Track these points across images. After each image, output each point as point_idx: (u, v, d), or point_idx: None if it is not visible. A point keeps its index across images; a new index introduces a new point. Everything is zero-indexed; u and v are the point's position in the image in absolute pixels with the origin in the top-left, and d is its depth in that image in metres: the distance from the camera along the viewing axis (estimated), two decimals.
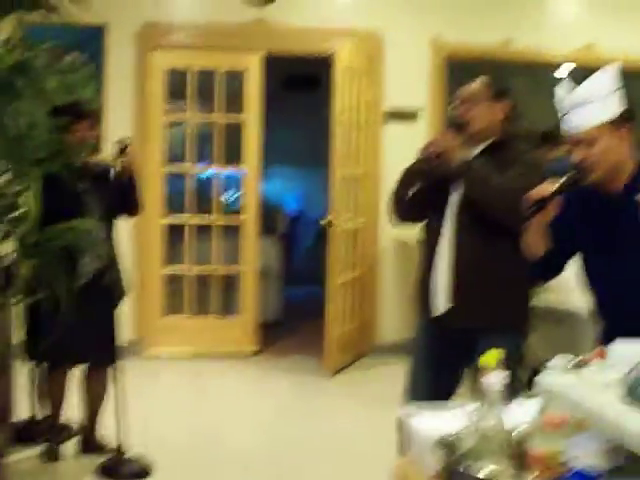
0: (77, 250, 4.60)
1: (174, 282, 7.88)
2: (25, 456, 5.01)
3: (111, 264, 4.94)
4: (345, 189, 7.36)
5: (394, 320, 7.71)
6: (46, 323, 4.47)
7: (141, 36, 7.38)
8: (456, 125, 4.03)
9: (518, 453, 2.09)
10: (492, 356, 2.13)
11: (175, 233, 8.00)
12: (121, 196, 5.01)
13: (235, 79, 7.71)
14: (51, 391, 5.01)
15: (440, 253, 3.97)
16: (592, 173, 2.92)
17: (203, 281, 7.86)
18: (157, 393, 6.55)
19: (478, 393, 2.08)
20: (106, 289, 4.92)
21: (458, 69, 7.68)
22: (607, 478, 1.80)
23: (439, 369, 4.04)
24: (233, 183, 10.17)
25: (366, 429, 5.82)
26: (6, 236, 4.35)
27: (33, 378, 5.15)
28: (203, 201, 8.53)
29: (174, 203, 8.02)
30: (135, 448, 5.05)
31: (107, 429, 5.11)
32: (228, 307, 8.03)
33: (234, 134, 7.80)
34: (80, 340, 4.73)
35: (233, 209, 8.89)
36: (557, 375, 1.96)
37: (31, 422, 5.23)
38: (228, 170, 8.42)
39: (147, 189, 7.36)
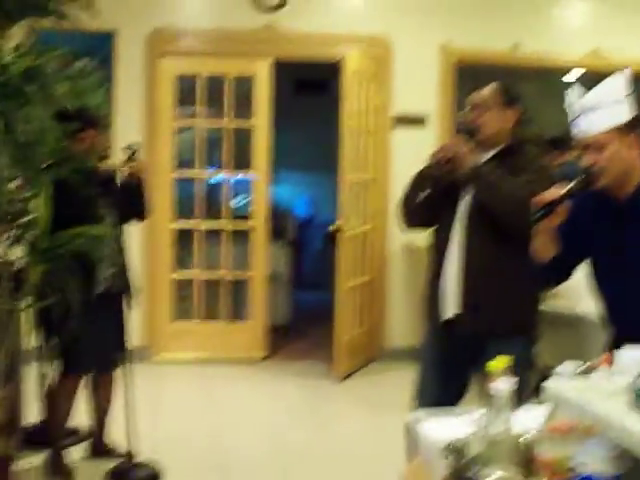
0: (89, 256, 4.60)
1: (183, 287, 7.89)
2: (34, 461, 5.01)
3: (121, 270, 4.95)
4: (354, 194, 7.36)
5: (403, 325, 7.71)
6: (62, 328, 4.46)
7: (150, 42, 7.40)
8: (467, 131, 4.04)
9: (526, 459, 2.09)
10: (500, 362, 2.13)
11: (184, 238, 8.02)
12: (129, 201, 5.03)
13: (244, 85, 7.72)
14: (62, 404, 4.96)
15: (449, 258, 3.98)
16: (601, 178, 2.92)
17: (212, 286, 7.86)
18: (166, 398, 6.56)
19: (486, 398, 2.08)
20: (115, 295, 4.94)
21: (467, 75, 7.69)
22: None
23: (447, 374, 4.05)
24: (242, 188, 10.20)
25: (375, 434, 5.82)
26: (16, 241, 4.37)
27: (42, 382, 5.15)
28: (212, 206, 8.55)
29: (183, 208, 8.04)
30: (144, 453, 5.06)
31: (116, 434, 5.12)
32: (237, 312, 8.04)
33: (243, 139, 7.81)
34: (93, 347, 4.73)
35: (242, 214, 8.90)
36: (565, 381, 1.97)
37: (40, 426, 5.22)
38: (237, 175, 8.44)
39: (157, 194, 7.40)
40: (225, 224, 7.88)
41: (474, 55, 7.76)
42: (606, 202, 3.05)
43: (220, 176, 8.28)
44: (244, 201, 10.03)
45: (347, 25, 7.59)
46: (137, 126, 7.33)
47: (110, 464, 4.97)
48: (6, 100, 3.77)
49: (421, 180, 4.03)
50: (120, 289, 4.94)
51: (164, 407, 6.30)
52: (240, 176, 8.59)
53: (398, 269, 7.82)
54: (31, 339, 4.73)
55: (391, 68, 7.70)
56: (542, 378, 2.09)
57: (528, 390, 4.11)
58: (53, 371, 4.94)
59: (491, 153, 4.00)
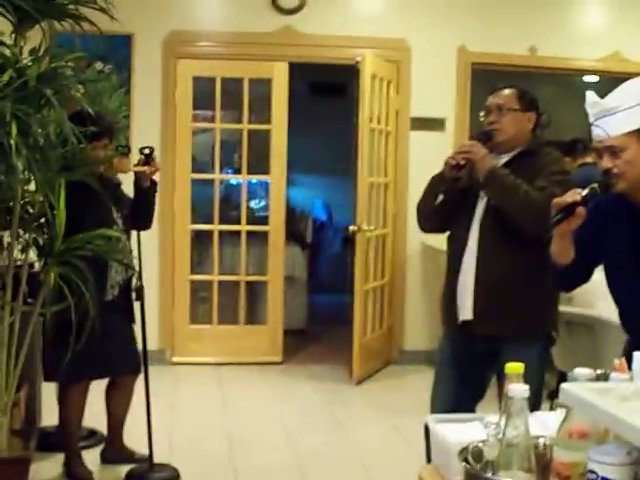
0: (104, 259, 4.61)
1: (200, 290, 7.91)
2: (52, 464, 5.03)
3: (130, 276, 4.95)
4: (372, 197, 7.36)
5: (421, 328, 7.70)
6: (61, 339, 4.44)
7: (168, 45, 7.41)
8: (483, 134, 4.03)
9: (542, 462, 2.08)
10: (517, 365, 2.12)
11: (202, 241, 8.03)
12: (140, 207, 5.02)
13: (261, 87, 7.72)
14: (69, 411, 4.95)
15: (465, 261, 3.97)
16: (619, 182, 2.90)
17: (229, 289, 7.87)
18: (183, 401, 6.56)
19: (503, 401, 2.07)
20: (126, 300, 4.94)
21: (484, 78, 7.68)
22: None
23: (464, 377, 4.04)
24: (259, 191, 10.22)
25: (392, 437, 5.82)
26: (32, 244, 4.38)
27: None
28: (230, 209, 8.57)
29: (201, 211, 8.05)
30: (161, 455, 5.06)
31: (134, 437, 5.12)
32: (254, 315, 8.05)
33: (260, 142, 7.81)
34: (101, 354, 4.71)
35: (259, 217, 8.91)
36: (582, 384, 1.95)
37: (58, 429, 5.22)
38: (255, 178, 8.45)
39: (175, 196, 7.43)
40: (242, 227, 7.87)
41: (492, 58, 7.74)
42: (625, 206, 3.02)
43: (237, 179, 8.28)
44: (261, 204, 10.05)
45: (365, 28, 7.58)
46: (155, 128, 7.34)
47: (127, 467, 4.97)
48: (23, 103, 3.78)
49: (436, 185, 4.02)
50: (128, 295, 4.95)
51: (181, 410, 6.30)
52: (257, 179, 8.61)
53: (416, 272, 7.81)
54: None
55: (409, 71, 7.68)
56: (560, 380, 2.07)
57: (544, 393, 4.11)
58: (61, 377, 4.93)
59: (507, 157, 3.99)
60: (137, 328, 5.01)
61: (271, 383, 7.17)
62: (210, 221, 7.81)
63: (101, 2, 4.17)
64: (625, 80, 2.98)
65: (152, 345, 6.93)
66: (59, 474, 4.91)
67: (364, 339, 7.24)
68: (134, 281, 4.93)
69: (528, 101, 4.02)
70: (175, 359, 7.57)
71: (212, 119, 7.86)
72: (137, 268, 4.84)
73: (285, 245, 7.96)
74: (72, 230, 4.28)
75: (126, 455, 5.10)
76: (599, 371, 2.18)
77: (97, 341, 4.37)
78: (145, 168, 4.95)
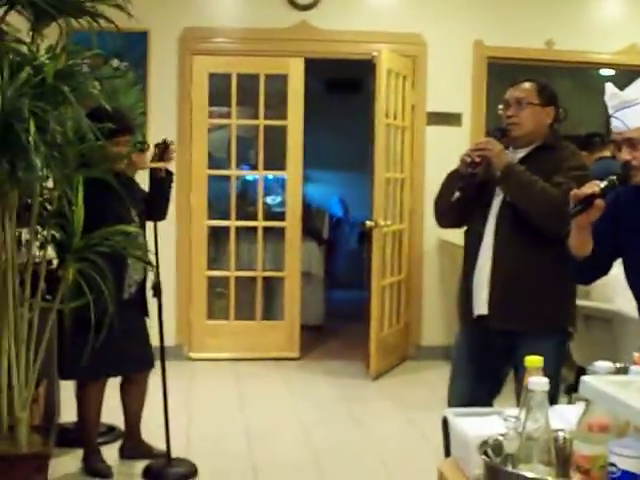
0: (123, 258, 4.62)
1: (218, 285, 7.92)
2: (71, 458, 5.05)
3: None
4: (388, 192, 7.35)
5: (438, 323, 7.70)
6: (76, 338, 4.47)
7: (183, 41, 7.42)
8: (498, 130, 4.02)
9: (563, 456, 2.08)
10: (537, 358, 2.12)
11: (219, 237, 8.04)
12: (152, 200, 5.04)
13: (277, 83, 7.73)
14: (87, 407, 4.97)
15: (482, 256, 3.97)
16: (637, 174, 2.89)
17: (246, 285, 7.88)
18: (200, 396, 6.58)
19: (523, 395, 2.07)
20: (141, 295, 4.96)
21: (500, 72, 7.66)
22: None
23: (481, 371, 4.04)
24: (276, 187, 10.22)
25: (409, 432, 5.82)
26: (51, 241, 4.40)
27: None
28: (246, 205, 8.58)
29: (218, 207, 8.06)
30: (179, 451, 5.08)
31: (151, 432, 5.13)
32: (271, 311, 8.06)
33: (276, 138, 7.82)
34: (118, 351, 4.73)
35: (276, 213, 8.92)
36: (602, 377, 1.95)
37: (77, 425, 5.24)
38: (271, 174, 8.46)
39: (191, 193, 7.44)
40: (259, 223, 7.87)
41: (508, 52, 7.72)
42: None
43: (254, 175, 8.29)
44: (277, 200, 10.06)
45: (380, 23, 7.57)
46: (171, 124, 7.35)
47: (146, 462, 4.99)
48: (40, 100, 3.80)
49: (452, 182, 4.01)
50: (143, 290, 4.97)
51: (198, 405, 6.32)
52: (274, 174, 8.61)
53: (433, 267, 7.80)
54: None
55: (425, 66, 7.67)
56: (578, 375, 2.07)
57: (562, 387, 4.11)
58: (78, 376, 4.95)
59: (524, 151, 3.98)
60: (152, 322, 5.03)
61: (288, 379, 7.17)
62: (227, 217, 7.82)
63: None
64: None
65: (169, 341, 6.96)
66: (78, 470, 4.93)
67: (381, 335, 7.25)
68: (151, 277, 4.94)
69: (548, 95, 4.01)
70: (192, 355, 7.58)
71: (228, 115, 7.86)
72: (154, 264, 4.86)
73: (302, 241, 7.96)
74: (91, 227, 4.30)
75: (144, 450, 5.12)
76: (618, 365, 2.18)
77: (114, 339, 4.38)
78: (161, 164, 4.97)
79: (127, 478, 4.90)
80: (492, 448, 2.16)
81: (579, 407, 2.13)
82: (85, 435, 4.98)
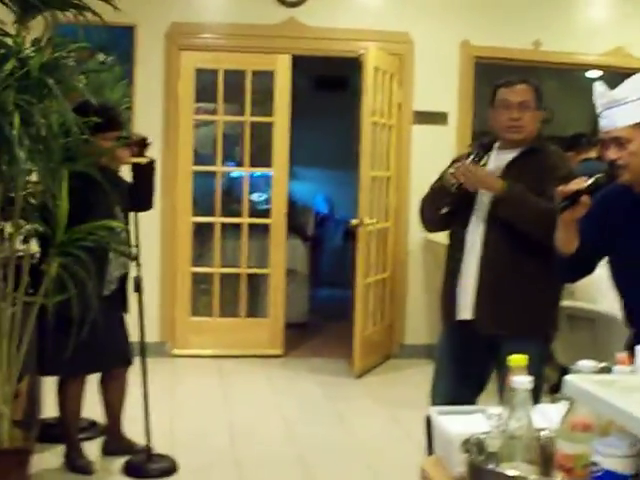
0: (105, 254, 4.60)
1: (202, 282, 7.90)
2: (53, 454, 5.03)
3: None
4: (374, 190, 7.35)
5: (421, 322, 7.70)
6: (57, 334, 4.44)
7: (170, 36, 7.39)
8: (481, 145, 4.00)
9: (545, 455, 2.08)
10: (521, 357, 2.12)
11: (204, 233, 8.02)
12: (136, 189, 5.03)
13: (264, 80, 7.71)
14: (67, 404, 4.94)
15: (467, 260, 3.96)
16: (624, 173, 2.90)
17: (231, 282, 7.87)
18: (183, 393, 6.56)
19: (506, 393, 2.07)
20: (120, 291, 4.94)
21: (487, 72, 7.67)
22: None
23: (463, 371, 4.04)
24: (261, 184, 10.21)
25: (392, 430, 5.82)
26: (35, 235, 4.38)
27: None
28: (231, 202, 8.56)
29: (203, 203, 8.04)
30: (161, 447, 5.07)
31: (133, 429, 5.12)
32: (255, 308, 8.04)
33: (263, 135, 7.81)
34: (98, 348, 4.69)
35: (261, 210, 8.90)
36: (586, 376, 1.95)
37: (59, 421, 5.21)
38: (256, 171, 8.44)
39: (176, 188, 7.42)
40: (244, 219, 7.86)
41: (495, 52, 7.73)
42: (629, 198, 3.02)
43: (239, 172, 8.27)
44: (262, 197, 10.05)
45: (368, 21, 7.56)
46: (157, 120, 7.33)
47: (125, 458, 4.98)
48: (25, 93, 3.78)
49: (439, 196, 3.99)
50: (123, 286, 4.95)
51: (181, 402, 6.31)
52: (259, 172, 8.60)
53: (417, 266, 7.80)
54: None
55: (412, 64, 7.67)
56: (561, 375, 2.07)
57: (545, 387, 4.11)
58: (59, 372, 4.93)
59: (514, 154, 3.96)
60: (132, 318, 5.01)
61: (272, 376, 7.16)
62: (212, 214, 7.80)
63: None
64: (628, 76, 2.97)
65: (153, 337, 6.96)
66: (60, 465, 4.92)
67: (365, 333, 7.24)
68: (133, 273, 4.93)
69: (540, 98, 4.01)
70: (176, 351, 7.56)
71: (214, 112, 7.84)
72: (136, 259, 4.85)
73: (286, 238, 7.95)
74: (74, 221, 4.28)
75: (126, 446, 5.10)
76: (602, 364, 2.18)
77: (94, 335, 4.35)
78: (142, 159, 4.95)
79: (108, 474, 4.88)
80: (475, 446, 2.16)
81: (562, 406, 2.13)
82: (66, 431, 4.96)
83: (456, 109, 7.76)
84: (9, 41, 4.01)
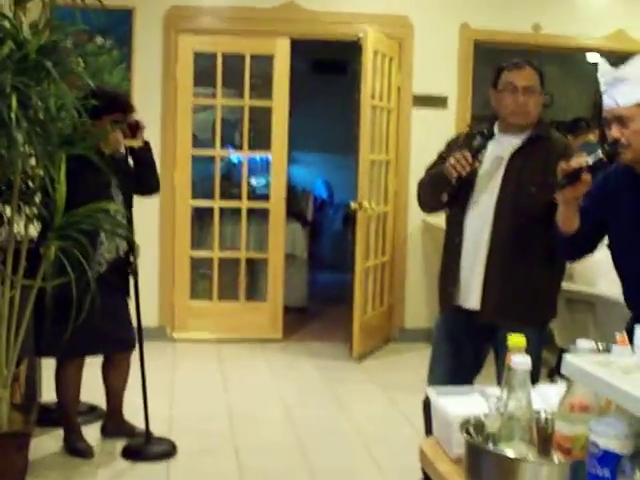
0: (95, 235, 4.57)
1: (201, 266, 7.90)
2: (52, 438, 5.04)
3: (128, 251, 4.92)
4: (373, 174, 7.34)
5: (421, 306, 7.70)
6: (54, 316, 4.44)
7: (169, 19, 7.36)
8: (481, 133, 3.96)
9: (544, 435, 2.08)
10: (520, 337, 2.11)
11: (202, 218, 8.02)
12: (138, 173, 5.00)
13: (263, 64, 7.69)
14: (65, 386, 4.94)
15: (465, 243, 3.94)
16: (625, 152, 2.89)
17: (230, 266, 7.86)
18: (182, 377, 6.56)
19: (505, 374, 2.06)
20: (121, 276, 4.92)
21: (487, 55, 7.66)
22: (633, 459, 1.78)
23: (460, 354, 4.03)
24: (260, 169, 10.20)
25: (391, 414, 5.82)
26: (33, 219, 4.37)
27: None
28: (231, 186, 8.56)
29: (202, 187, 8.03)
30: (160, 431, 5.08)
31: (134, 413, 5.12)
32: (255, 292, 8.05)
33: (261, 119, 7.79)
34: (95, 331, 4.67)
35: (260, 194, 8.90)
36: (584, 356, 1.95)
37: (58, 404, 5.21)
38: (256, 154, 8.43)
39: (175, 172, 7.41)
40: (243, 203, 7.85)
41: (495, 36, 7.71)
42: (631, 177, 3.02)
43: (238, 156, 8.26)
44: (262, 181, 10.04)
45: (367, 4, 7.54)
46: (155, 103, 7.30)
47: (125, 442, 4.98)
48: (23, 75, 3.76)
49: (439, 183, 3.95)
50: (123, 270, 4.93)
51: (180, 386, 6.31)
52: (258, 155, 8.59)
53: (417, 250, 7.80)
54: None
55: (411, 48, 7.64)
56: (560, 358, 2.07)
57: (543, 372, 4.11)
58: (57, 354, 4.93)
59: (520, 140, 3.92)
60: (129, 302, 5.01)
61: (271, 360, 7.17)
62: (211, 198, 7.79)
63: None
64: (628, 59, 2.96)
65: (152, 321, 6.98)
66: (59, 449, 4.92)
67: (364, 317, 7.25)
68: (131, 257, 4.91)
69: (543, 81, 3.99)
70: (175, 335, 7.57)
71: (213, 96, 7.82)
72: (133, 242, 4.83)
73: (286, 223, 7.95)
74: (69, 204, 4.26)
75: (126, 429, 5.11)
76: (601, 345, 2.17)
77: (91, 318, 4.34)
78: (134, 141, 4.91)
79: (108, 457, 4.88)
80: (474, 427, 2.16)
81: (560, 387, 2.13)
82: (64, 414, 4.96)
83: (455, 93, 7.74)
84: (6, 23, 3.99)
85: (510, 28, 7.68)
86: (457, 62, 7.74)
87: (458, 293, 3.97)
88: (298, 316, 8.59)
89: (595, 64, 3.10)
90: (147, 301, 5.08)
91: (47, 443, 4.98)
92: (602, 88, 2.93)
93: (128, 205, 4.91)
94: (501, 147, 3.93)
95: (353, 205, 7.12)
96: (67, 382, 4.90)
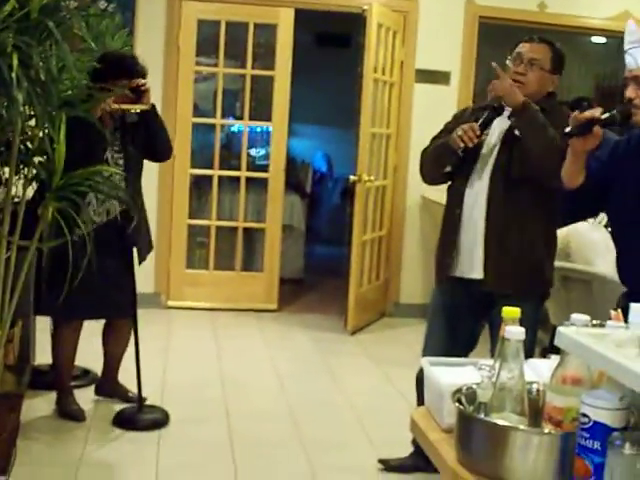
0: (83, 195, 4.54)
1: (198, 235, 7.90)
2: (45, 401, 5.04)
3: (139, 217, 4.89)
4: (373, 147, 7.32)
5: (417, 281, 7.70)
6: (55, 276, 4.44)
7: None
8: (491, 106, 3.94)
9: (535, 407, 2.08)
10: (514, 309, 2.11)
11: (200, 187, 8.01)
12: (148, 138, 4.96)
13: (266, 33, 7.66)
14: (61, 348, 4.95)
15: (465, 215, 3.95)
16: (638, 113, 2.89)
17: (227, 235, 7.86)
18: (177, 345, 6.57)
19: (499, 344, 2.06)
20: (124, 241, 4.89)
21: (491, 32, 7.64)
22: (624, 432, 1.79)
23: (455, 327, 4.05)
24: (260, 140, 10.19)
25: (384, 387, 5.84)
26: (32, 180, 4.35)
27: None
28: (230, 156, 8.55)
29: (202, 157, 8.02)
30: (153, 398, 5.08)
31: (128, 380, 5.12)
32: (251, 263, 8.05)
33: (263, 90, 7.77)
34: (93, 295, 4.68)
35: (260, 165, 8.89)
36: (579, 329, 1.95)
37: (52, 367, 5.22)
38: (256, 124, 8.39)
39: (175, 140, 7.37)
40: (242, 173, 7.84)
41: (500, 13, 7.68)
42: None
43: (239, 125, 8.24)
44: (261, 152, 10.03)
45: None
46: (158, 70, 7.23)
47: (120, 406, 4.99)
48: (24, 35, 3.74)
49: (444, 155, 3.94)
50: (135, 235, 4.90)
51: (175, 353, 6.31)
52: (259, 125, 8.56)
53: (414, 224, 7.79)
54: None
55: (415, 22, 7.61)
56: (554, 336, 2.06)
57: (537, 350, 4.12)
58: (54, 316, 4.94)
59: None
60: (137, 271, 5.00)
61: (265, 330, 7.18)
62: (210, 167, 7.77)
63: None
64: None
65: (148, 288, 6.98)
66: (52, 412, 4.93)
67: (360, 290, 7.25)
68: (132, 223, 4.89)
69: (558, 63, 3.95)
70: (170, 303, 7.57)
71: (215, 65, 7.78)
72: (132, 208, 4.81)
73: (284, 194, 7.93)
74: (69, 167, 4.24)
75: (120, 392, 5.13)
76: (595, 322, 2.17)
77: (89, 281, 4.34)
78: (137, 106, 4.85)
79: (100, 421, 4.89)
80: (465, 397, 2.17)
81: (553, 362, 2.13)
82: (58, 376, 4.97)
83: (459, 69, 7.71)
84: None
85: (516, 5, 7.66)
86: (461, 38, 7.70)
87: (458, 264, 3.98)
88: (294, 287, 8.60)
89: (598, 44, 3.10)
90: (143, 268, 5.06)
91: (39, 405, 4.99)
92: (625, 47, 2.93)
93: (135, 171, 4.89)
94: (507, 122, 3.92)
95: (352, 177, 7.10)
96: (63, 344, 4.91)
